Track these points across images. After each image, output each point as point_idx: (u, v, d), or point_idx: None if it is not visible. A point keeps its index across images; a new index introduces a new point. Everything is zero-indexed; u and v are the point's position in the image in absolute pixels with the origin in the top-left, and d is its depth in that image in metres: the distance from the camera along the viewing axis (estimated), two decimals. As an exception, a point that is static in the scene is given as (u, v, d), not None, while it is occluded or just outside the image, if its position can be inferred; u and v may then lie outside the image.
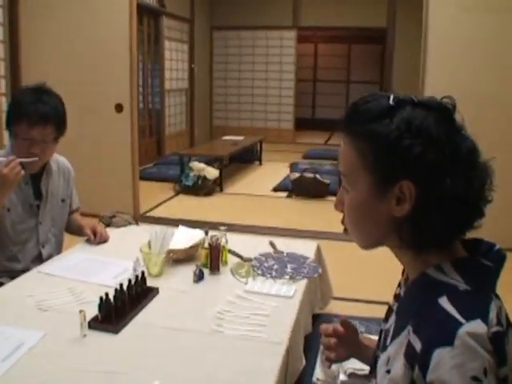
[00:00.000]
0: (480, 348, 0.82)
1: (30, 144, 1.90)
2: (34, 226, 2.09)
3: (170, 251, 2.03)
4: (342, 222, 1.05)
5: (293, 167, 7.39)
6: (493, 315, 0.86)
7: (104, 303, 1.55)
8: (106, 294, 1.57)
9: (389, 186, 0.91)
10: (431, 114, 0.90)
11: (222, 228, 2.12)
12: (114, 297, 1.60)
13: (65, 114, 2.00)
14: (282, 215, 5.15)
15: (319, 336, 1.36)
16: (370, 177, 0.93)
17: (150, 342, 1.50)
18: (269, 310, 1.76)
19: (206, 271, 1.99)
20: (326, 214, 5.33)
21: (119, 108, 4.31)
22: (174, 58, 8.34)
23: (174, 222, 4.32)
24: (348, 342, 1.31)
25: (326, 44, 12.55)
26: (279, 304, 1.82)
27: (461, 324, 0.83)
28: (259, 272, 2.09)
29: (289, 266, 2.20)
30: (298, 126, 10.61)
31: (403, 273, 1.23)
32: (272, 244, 2.44)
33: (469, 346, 0.81)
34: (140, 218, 4.40)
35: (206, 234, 2.07)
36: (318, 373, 2.29)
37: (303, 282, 2.06)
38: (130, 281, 1.70)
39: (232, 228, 3.24)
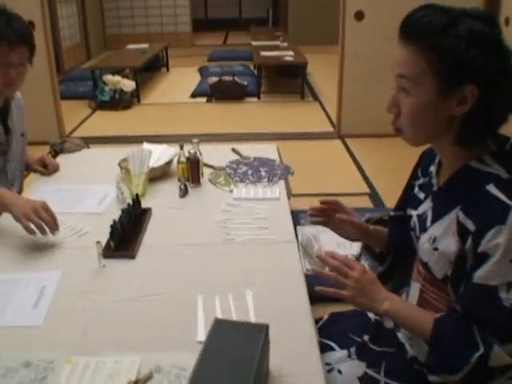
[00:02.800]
0: None
1: (7, 69, 1.73)
2: (3, 164, 1.95)
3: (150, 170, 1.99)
4: (393, 123, 1.12)
5: (202, 71, 7.27)
6: None
7: (115, 230, 1.52)
8: (114, 221, 1.54)
9: (454, 89, 1.01)
10: (486, 26, 1.00)
11: (195, 140, 2.10)
12: (121, 222, 1.58)
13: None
14: (207, 121, 5.12)
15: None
16: (436, 81, 1.02)
17: (171, 261, 1.51)
18: (265, 213, 1.81)
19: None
20: (249, 114, 5.41)
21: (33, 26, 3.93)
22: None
23: (109, 140, 4.21)
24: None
25: None
26: (270, 207, 1.87)
27: (510, 207, 0.98)
28: (237, 179, 2.12)
29: (261, 169, 2.24)
30: (194, 29, 10.25)
31: (418, 164, 1.35)
32: (235, 151, 2.45)
33: None
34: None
35: (181, 148, 2.04)
36: (306, 264, 2.44)
37: (281, 183, 2.12)
38: (129, 204, 1.67)
39: (162, 139, 3.15)
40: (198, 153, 2.05)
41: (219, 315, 1.22)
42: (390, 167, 3.96)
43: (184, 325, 1.22)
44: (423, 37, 1.01)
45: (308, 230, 2.60)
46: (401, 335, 1.30)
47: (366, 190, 3.61)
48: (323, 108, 5.66)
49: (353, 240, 1.50)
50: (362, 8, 4.21)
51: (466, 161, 1.10)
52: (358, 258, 2.20)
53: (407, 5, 4.05)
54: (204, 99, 5.91)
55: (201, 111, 5.59)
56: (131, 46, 7.35)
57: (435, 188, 1.21)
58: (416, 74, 1.03)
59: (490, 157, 1.08)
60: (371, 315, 1.43)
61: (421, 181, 1.31)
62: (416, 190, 1.32)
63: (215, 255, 1.54)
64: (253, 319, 1.22)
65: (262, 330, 0.97)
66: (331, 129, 4.94)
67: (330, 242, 2.28)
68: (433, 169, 1.25)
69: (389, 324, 1.37)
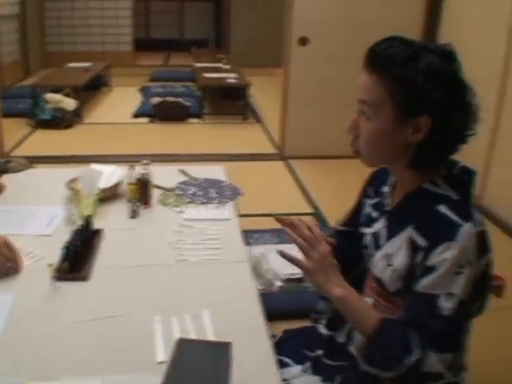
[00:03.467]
0: (470, 244, 1.06)
1: None
2: None
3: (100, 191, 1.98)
4: (352, 145, 1.19)
5: (145, 91, 7.25)
6: (477, 217, 1.11)
7: (67, 252, 1.51)
8: (67, 243, 1.52)
9: (410, 119, 1.09)
10: (445, 61, 1.08)
11: (145, 161, 2.10)
12: (73, 244, 1.56)
13: None
14: (151, 141, 5.10)
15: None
16: (395, 110, 1.09)
17: (126, 282, 1.50)
18: (217, 234, 1.84)
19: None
20: (192, 136, 5.44)
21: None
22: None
23: (53, 160, 4.11)
24: None
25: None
26: (222, 227, 1.90)
27: (460, 225, 1.07)
28: (188, 200, 2.14)
29: (211, 190, 2.27)
30: (136, 48, 10.21)
31: (369, 184, 1.42)
32: (184, 172, 2.47)
33: (464, 242, 1.05)
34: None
35: (132, 169, 2.04)
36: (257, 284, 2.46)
37: (231, 204, 2.15)
38: (81, 225, 1.65)
39: (106, 159, 3.12)
40: (148, 174, 2.05)
41: (178, 336, 1.23)
42: (333, 187, 4.08)
43: (143, 346, 1.22)
44: (386, 67, 1.08)
45: (257, 250, 2.64)
46: (352, 349, 1.35)
47: (311, 210, 3.70)
48: (265, 130, 5.75)
49: None
50: (307, 34, 4.35)
51: (420, 183, 1.18)
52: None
53: (349, 33, 4.27)
54: (146, 119, 5.88)
55: (144, 131, 5.56)
56: (73, 65, 7.23)
57: (389, 208, 1.28)
58: (377, 101, 1.10)
59: (441, 180, 1.17)
60: (323, 331, 1.48)
61: (374, 200, 1.38)
62: (368, 209, 1.39)
63: (170, 276, 1.55)
64: (212, 339, 1.24)
65: (225, 348, 1.00)
66: (274, 150, 5.03)
67: (280, 260, 2.31)
68: (386, 189, 1.32)
69: (340, 338, 1.42)
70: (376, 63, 1.10)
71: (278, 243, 2.78)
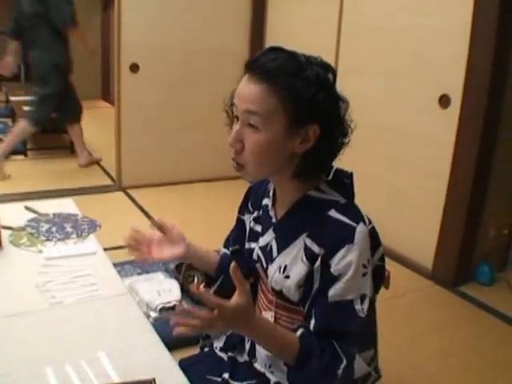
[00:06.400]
0: (366, 243, 1.11)
1: None
2: None
3: None
4: (235, 159, 1.15)
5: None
6: (364, 216, 1.16)
7: None
8: None
9: (299, 128, 1.10)
10: (328, 73, 1.13)
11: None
12: None
13: None
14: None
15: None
16: (285, 120, 1.09)
17: (-4, 336, 1.30)
18: (87, 269, 1.68)
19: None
20: (18, 173, 4.99)
21: None
22: None
23: None
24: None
25: None
26: (88, 261, 1.75)
27: (354, 227, 1.10)
28: (43, 238, 1.93)
29: (66, 225, 2.09)
30: None
31: (247, 199, 1.41)
32: (30, 208, 2.24)
33: (362, 243, 1.09)
34: None
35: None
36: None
37: (92, 237, 2.00)
38: None
39: None
40: (-6, 213, 1.82)
41: (80, 385, 1.08)
42: (181, 212, 4.03)
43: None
44: (276, 77, 1.07)
45: (124, 282, 2.48)
46: (258, 365, 1.32)
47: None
48: (97, 162, 5.51)
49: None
50: (137, 60, 4.27)
51: (305, 191, 1.19)
52: (180, 302, 2.17)
53: (181, 56, 4.32)
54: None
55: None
56: None
57: (274, 219, 1.27)
58: (267, 111, 1.08)
59: (325, 185, 1.19)
60: (221, 354, 1.42)
61: (255, 214, 1.37)
62: (252, 223, 1.37)
63: (48, 321, 1.36)
64: (117, 381, 1.11)
65: (150, 386, 0.90)
66: (110, 182, 4.83)
67: (149, 291, 2.20)
68: (267, 202, 1.31)
69: (242, 358, 1.37)
70: (263, 73, 1.09)
71: (140, 274, 2.65)
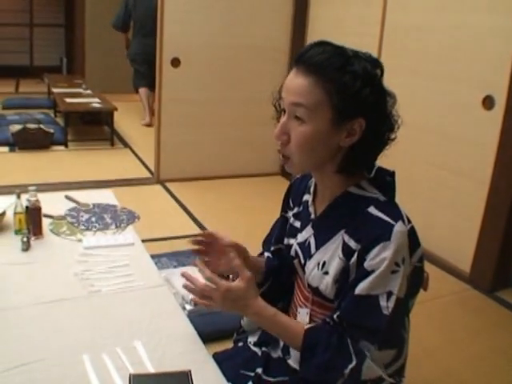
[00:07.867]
0: (403, 242, 1.08)
1: None
2: None
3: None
4: (281, 151, 1.15)
5: (-1, 120, 6.69)
6: (404, 215, 1.14)
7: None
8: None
9: (345, 122, 1.09)
10: (375, 67, 1.12)
11: (32, 188, 1.90)
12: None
13: None
14: (17, 171, 4.70)
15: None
16: (331, 112, 1.09)
17: (35, 322, 1.32)
18: (124, 260, 1.71)
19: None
20: (58, 163, 5.10)
21: None
22: None
23: None
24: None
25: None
26: (127, 252, 1.78)
27: (393, 225, 1.09)
28: (82, 227, 1.97)
29: (105, 216, 2.12)
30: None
31: (289, 195, 1.40)
32: (71, 198, 2.29)
33: (398, 241, 1.07)
34: None
35: (18, 197, 1.84)
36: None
37: (130, 228, 2.03)
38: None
39: None
40: (38, 201, 1.86)
41: (114, 373, 1.10)
42: (215, 207, 4.05)
43: (77, 390, 1.07)
44: (323, 70, 1.07)
45: (161, 274, 2.51)
46: (292, 362, 1.31)
47: (198, 231, 3.62)
48: (135, 154, 5.58)
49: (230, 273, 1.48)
50: (179, 55, 4.30)
51: (346, 187, 1.18)
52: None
53: (222, 52, 4.33)
54: (6, 149, 5.40)
55: (6, 161, 5.10)
56: None
57: (313, 216, 1.27)
58: (314, 103, 1.08)
59: (366, 182, 1.18)
60: (255, 349, 1.42)
61: (295, 210, 1.36)
62: (291, 219, 1.37)
63: (85, 309, 1.39)
64: (152, 370, 1.12)
65: (185, 378, 0.91)
66: (148, 174, 4.89)
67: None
68: (308, 198, 1.31)
69: (276, 354, 1.37)
70: (311, 66, 1.09)
71: (176, 267, 2.68)
